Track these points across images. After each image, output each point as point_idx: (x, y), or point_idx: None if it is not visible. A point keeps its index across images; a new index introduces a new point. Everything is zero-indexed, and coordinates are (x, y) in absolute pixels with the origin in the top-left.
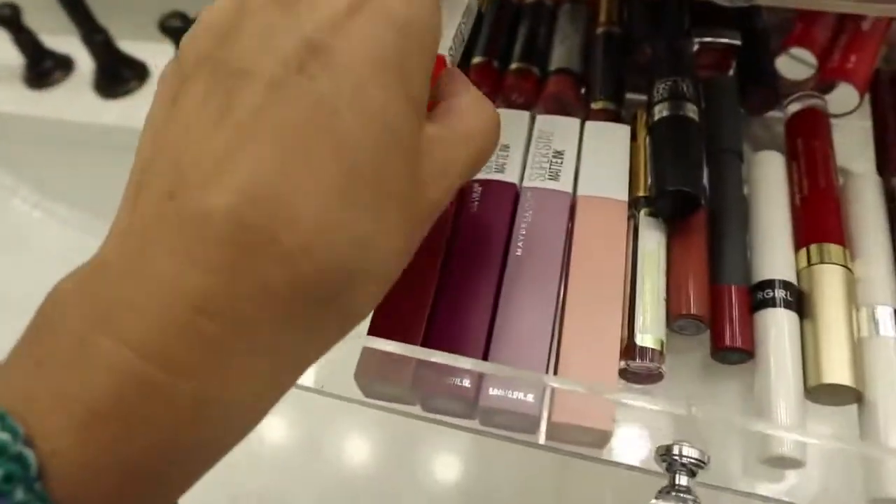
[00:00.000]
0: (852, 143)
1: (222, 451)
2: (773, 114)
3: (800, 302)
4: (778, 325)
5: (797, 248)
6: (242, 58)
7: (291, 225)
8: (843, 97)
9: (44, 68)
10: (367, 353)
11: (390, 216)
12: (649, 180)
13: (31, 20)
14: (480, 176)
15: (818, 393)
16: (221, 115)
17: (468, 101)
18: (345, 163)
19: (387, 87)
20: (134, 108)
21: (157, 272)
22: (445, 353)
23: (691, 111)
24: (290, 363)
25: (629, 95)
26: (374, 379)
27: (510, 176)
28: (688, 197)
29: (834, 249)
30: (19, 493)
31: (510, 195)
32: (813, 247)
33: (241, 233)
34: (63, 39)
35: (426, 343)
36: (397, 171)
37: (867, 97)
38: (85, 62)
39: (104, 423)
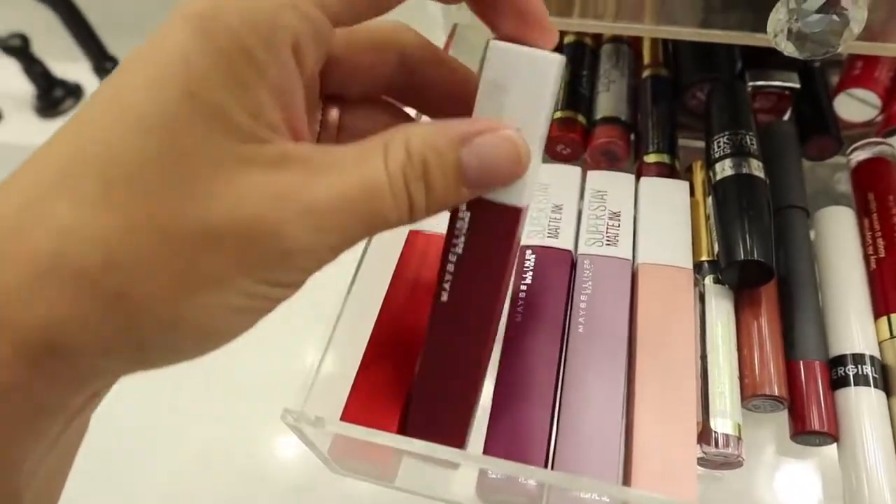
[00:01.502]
0: None
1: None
2: (836, 159)
3: (885, 378)
4: (863, 405)
5: (876, 316)
6: None
7: None
8: None
9: (54, 97)
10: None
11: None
12: (715, 246)
13: (40, 48)
14: (533, 241)
15: None
16: None
17: (360, 150)
18: None
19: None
20: None
21: None
22: (512, 463)
23: (756, 168)
24: None
25: (681, 140)
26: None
27: (565, 241)
28: (760, 267)
29: None
30: None
31: (566, 264)
32: (894, 316)
33: None
34: (73, 67)
35: (486, 445)
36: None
37: None
38: (94, 89)
39: None
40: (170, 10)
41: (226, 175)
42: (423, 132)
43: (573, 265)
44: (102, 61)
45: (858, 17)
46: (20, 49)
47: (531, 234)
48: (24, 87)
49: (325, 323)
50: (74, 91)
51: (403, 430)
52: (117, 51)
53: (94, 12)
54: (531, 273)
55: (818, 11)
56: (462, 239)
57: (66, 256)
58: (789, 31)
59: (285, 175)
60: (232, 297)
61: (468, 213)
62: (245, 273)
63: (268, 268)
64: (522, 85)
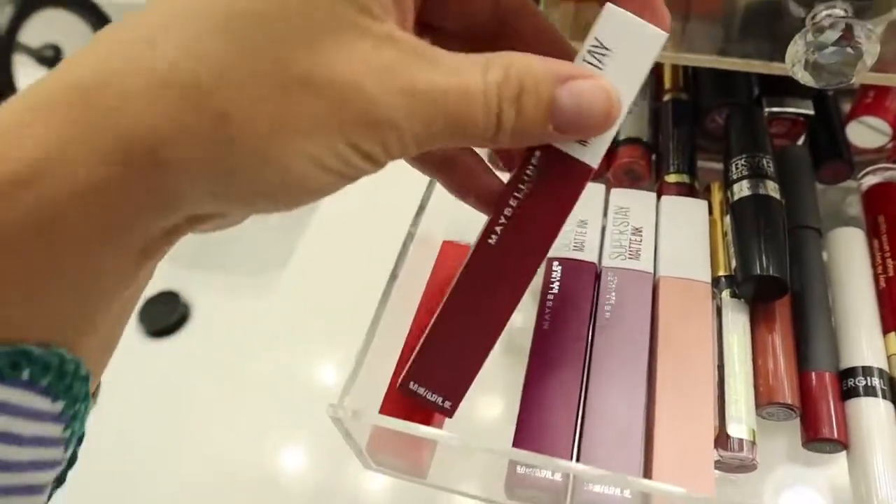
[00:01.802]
0: None
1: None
2: (847, 183)
3: (893, 390)
4: (873, 415)
5: (885, 331)
6: None
7: None
8: None
9: None
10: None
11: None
12: (733, 262)
13: None
14: (559, 254)
15: None
16: None
17: (462, 59)
18: None
19: None
20: None
21: None
22: (543, 456)
23: (772, 189)
24: None
25: (700, 162)
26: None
27: (589, 255)
28: (775, 282)
29: None
30: None
31: (591, 275)
32: None
33: None
34: None
35: (514, 440)
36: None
37: None
38: None
39: None
40: None
41: (339, 37)
42: (525, 60)
43: (597, 277)
44: None
45: (872, 50)
46: (53, 59)
47: (558, 246)
48: None
49: (340, 337)
50: None
51: (402, 379)
52: None
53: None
54: (558, 283)
55: (834, 44)
56: (528, 185)
57: (182, 71)
58: (806, 61)
59: (390, 53)
60: (320, 150)
61: (541, 160)
62: (336, 130)
63: (357, 131)
64: (628, 51)
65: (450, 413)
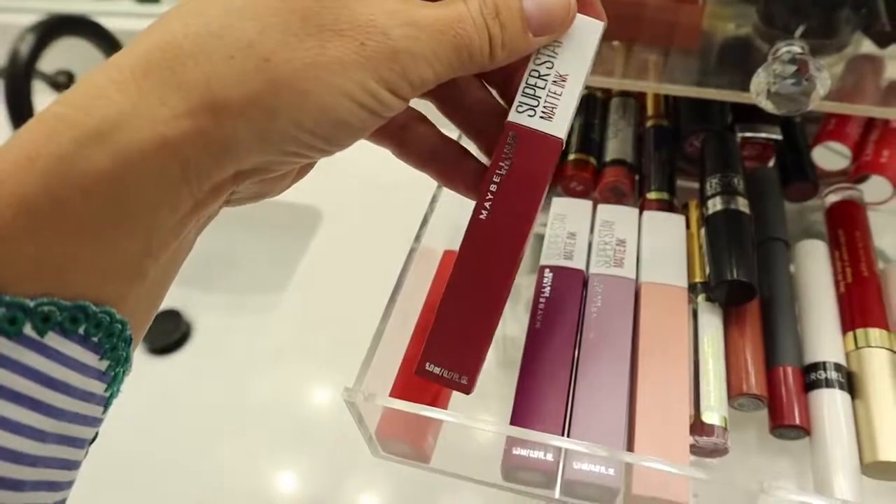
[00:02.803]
0: (882, 226)
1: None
2: (812, 202)
3: (850, 382)
4: (832, 404)
5: (844, 331)
6: None
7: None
8: (878, 188)
9: None
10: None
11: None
12: (707, 269)
13: None
14: (551, 262)
15: (874, 469)
16: None
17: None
18: None
19: None
20: None
21: None
22: (538, 433)
23: (743, 205)
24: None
25: (679, 182)
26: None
27: (578, 263)
28: (745, 286)
29: (879, 334)
30: None
31: (579, 281)
32: (859, 331)
33: None
34: None
35: (512, 420)
36: None
37: None
38: None
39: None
40: None
41: None
42: None
43: (585, 283)
44: None
45: (824, 82)
46: (65, 85)
47: (549, 255)
48: None
49: (341, 355)
50: None
51: (419, 362)
52: None
53: None
54: (549, 288)
55: (791, 77)
56: (508, 161)
57: (232, 28)
58: (768, 91)
59: (394, 1)
60: (351, 85)
61: (516, 139)
62: (362, 65)
63: (380, 63)
64: (575, 40)
65: (467, 389)
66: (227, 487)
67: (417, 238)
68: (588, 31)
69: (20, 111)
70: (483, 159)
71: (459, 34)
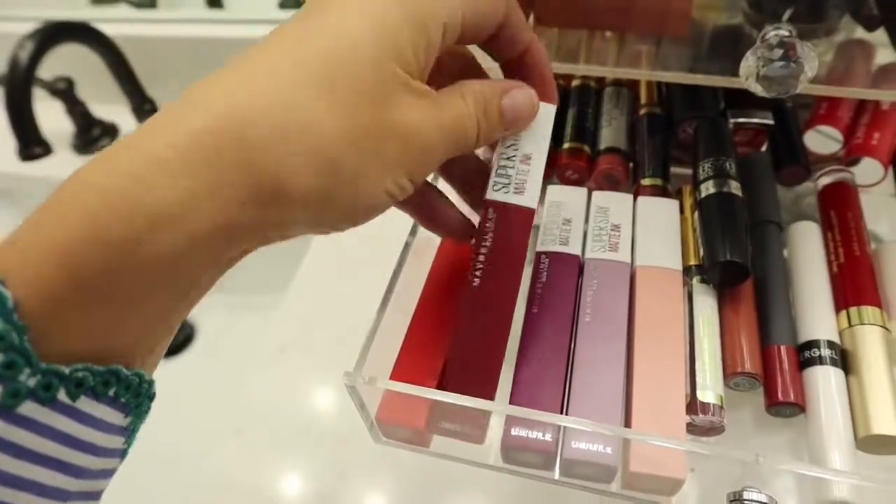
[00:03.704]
0: (876, 207)
1: (168, 268)
2: (805, 184)
3: (844, 359)
4: (826, 381)
5: (837, 310)
6: None
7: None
8: (869, 170)
9: (91, 136)
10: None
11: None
12: (701, 251)
13: (82, 91)
14: (547, 248)
15: (867, 443)
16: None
17: (448, 93)
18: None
19: (365, 15)
20: None
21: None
22: (536, 411)
23: (735, 188)
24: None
25: (673, 169)
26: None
27: (574, 248)
28: (738, 267)
29: (871, 311)
30: None
31: (575, 266)
32: (852, 309)
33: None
34: (110, 108)
35: (508, 400)
36: (365, 80)
37: (891, 168)
38: (129, 128)
39: (73, 243)
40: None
41: (401, 96)
42: (479, 85)
43: (581, 268)
44: (142, 103)
45: (812, 63)
46: (65, 91)
47: (545, 241)
48: (65, 127)
49: (343, 355)
50: (110, 130)
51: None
52: (154, 94)
53: (132, 58)
54: (546, 273)
55: (779, 60)
56: (490, 234)
57: (306, 124)
58: (757, 74)
59: (427, 104)
60: (391, 183)
61: (495, 213)
62: (404, 167)
63: (416, 165)
64: (534, 122)
65: (480, 440)
66: (231, 487)
67: (413, 232)
68: (544, 114)
69: (21, 118)
70: (462, 206)
71: (464, 133)
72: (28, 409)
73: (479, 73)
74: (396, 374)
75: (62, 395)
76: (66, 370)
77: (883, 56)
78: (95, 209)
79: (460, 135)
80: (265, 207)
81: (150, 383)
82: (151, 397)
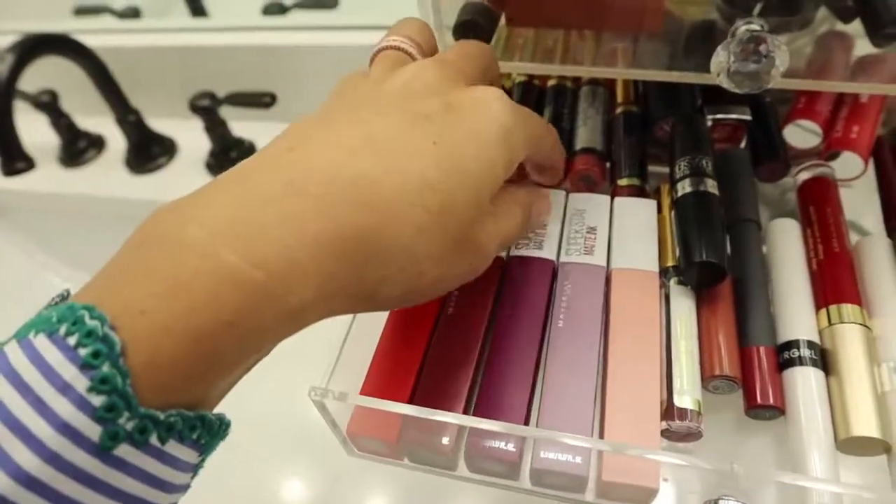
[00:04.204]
0: (859, 201)
1: (269, 341)
2: (784, 180)
3: (824, 359)
4: (805, 382)
5: (817, 308)
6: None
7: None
8: (849, 164)
9: (78, 148)
10: (408, 419)
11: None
12: (677, 252)
13: (66, 103)
14: (521, 252)
15: (848, 445)
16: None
17: (507, 206)
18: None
19: (479, 158)
20: (164, 183)
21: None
22: (497, 422)
23: (711, 186)
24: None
25: (651, 168)
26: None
27: (548, 252)
28: (714, 267)
29: (851, 309)
30: (105, 368)
31: (548, 270)
32: (832, 308)
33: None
34: (96, 120)
35: (473, 409)
36: (466, 208)
37: (871, 161)
38: (116, 140)
39: (182, 295)
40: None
41: (482, 220)
42: (525, 197)
43: (555, 272)
44: (125, 114)
45: (783, 58)
46: (49, 104)
47: (520, 246)
48: (50, 140)
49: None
50: (96, 142)
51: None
52: (141, 104)
53: (117, 69)
54: (518, 278)
55: (749, 55)
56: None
57: (415, 244)
58: (728, 70)
59: (493, 223)
60: (456, 283)
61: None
62: (462, 278)
63: (475, 272)
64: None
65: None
66: (224, 492)
67: None
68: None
69: (1, 133)
70: None
71: (515, 237)
72: (123, 451)
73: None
74: (367, 387)
75: (153, 439)
76: (162, 416)
77: (862, 47)
78: (235, 303)
79: (513, 241)
80: (356, 305)
81: (228, 425)
82: (224, 437)
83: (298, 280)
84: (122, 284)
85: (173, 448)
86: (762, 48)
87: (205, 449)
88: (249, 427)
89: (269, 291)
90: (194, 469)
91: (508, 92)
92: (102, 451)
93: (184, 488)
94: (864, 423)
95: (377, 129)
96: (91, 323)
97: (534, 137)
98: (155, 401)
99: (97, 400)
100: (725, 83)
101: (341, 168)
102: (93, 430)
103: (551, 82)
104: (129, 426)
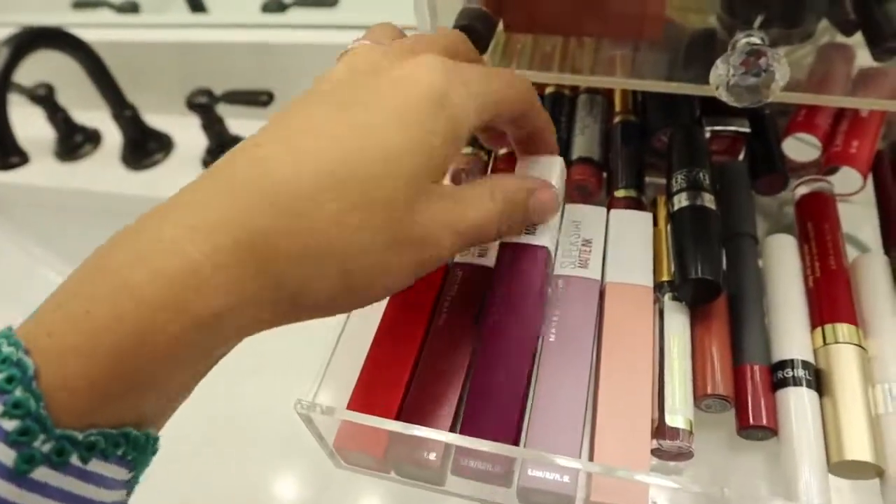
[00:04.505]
0: (858, 215)
1: (192, 356)
2: (785, 194)
3: (818, 380)
4: (799, 403)
5: (812, 327)
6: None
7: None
8: (848, 179)
9: (74, 142)
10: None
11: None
12: (672, 267)
13: (63, 96)
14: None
15: (841, 468)
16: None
17: (476, 192)
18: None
19: (407, 135)
20: (159, 179)
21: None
22: (485, 441)
23: (709, 200)
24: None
25: (648, 178)
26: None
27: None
28: (710, 284)
29: (847, 329)
30: (18, 392)
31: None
32: (827, 327)
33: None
34: (92, 115)
35: (461, 424)
36: (395, 192)
37: (870, 176)
38: (112, 135)
39: (96, 317)
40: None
41: (426, 203)
42: (512, 186)
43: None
44: (122, 109)
45: (783, 72)
46: (45, 98)
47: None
48: (47, 133)
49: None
50: (93, 137)
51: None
52: (139, 100)
53: (115, 64)
54: (512, 291)
55: (749, 69)
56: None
57: (333, 239)
58: (727, 84)
59: (446, 207)
60: (402, 283)
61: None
62: (415, 270)
63: (429, 267)
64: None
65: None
66: (215, 496)
67: None
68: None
69: None
70: None
71: (484, 232)
72: (41, 473)
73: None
74: (355, 401)
75: (74, 460)
76: (80, 436)
77: (863, 60)
78: (136, 319)
79: (482, 233)
80: (283, 311)
81: (156, 440)
82: (155, 452)
83: (200, 289)
84: (45, 308)
85: (98, 467)
86: (762, 62)
87: (135, 465)
88: (239, 433)
89: (167, 303)
90: (126, 486)
91: None
92: (19, 476)
93: None
94: (858, 447)
95: (296, 124)
96: (7, 350)
97: (491, 97)
98: (76, 422)
99: (10, 424)
100: (725, 96)
101: (254, 169)
102: (7, 455)
103: (549, 89)
104: (46, 448)
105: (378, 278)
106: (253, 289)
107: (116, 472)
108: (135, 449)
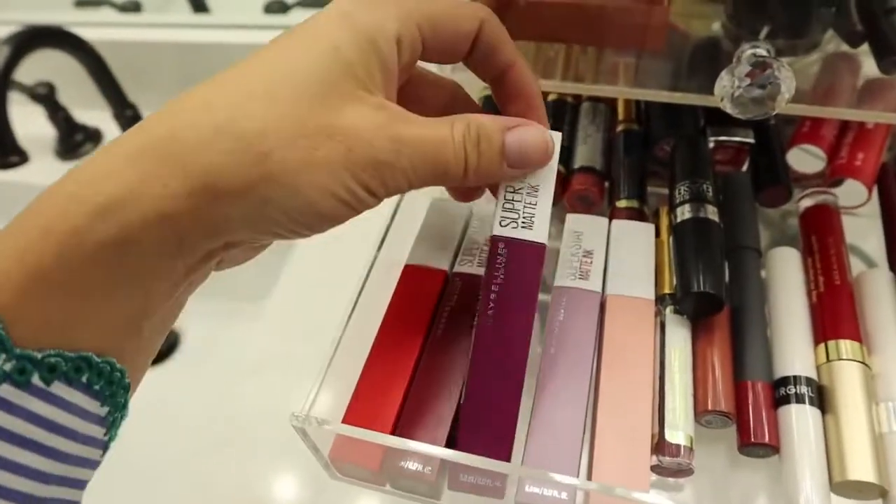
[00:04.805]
0: (862, 227)
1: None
2: (789, 205)
3: (821, 397)
4: (801, 421)
5: (816, 343)
6: None
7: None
8: (853, 192)
9: (75, 141)
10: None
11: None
12: (674, 280)
13: (64, 95)
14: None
15: (843, 488)
16: None
17: (434, 119)
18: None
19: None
20: None
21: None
22: (480, 458)
23: (712, 213)
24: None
25: (651, 188)
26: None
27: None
28: (712, 298)
29: (851, 346)
30: None
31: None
32: (831, 343)
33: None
34: (93, 114)
35: (458, 438)
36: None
37: (875, 189)
38: (113, 135)
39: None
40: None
41: (348, 104)
42: (480, 117)
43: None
44: (123, 108)
45: (789, 84)
46: (46, 96)
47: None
48: (47, 132)
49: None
50: (93, 136)
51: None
52: (140, 99)
53: (116, 63)
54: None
55: (755, 81)
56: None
57: (238, 122)
58: (732, 96)
59: (382, 114)
60: (336, 185)
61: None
62: (347, 169)
63: (362, 170)
64: None
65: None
66: (216, 494)
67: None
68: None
69: None
70: None
71: (438, 156)
72: (5, 391)
73: (470, 106)
74: (351, 413)
75: (36, 380)
76: (39, 355)
77: (868, 71)
78: (49, 212)
79: (438, 160)
80: (200, 202)
81: (123, 372)
82: (126, 388)
83: (103, 181)
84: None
85: (63, 391)
86: (768, 73)
87: (105, 398)
88: (239, 434)
89: (78, 194)
90: (104, 423)
91: None
92: None
93: (98, 443)
94: (861, 467)
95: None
96: None
97: (418, 7)
98: (37, 344)
99: None
100: (730, 109)
101: (167, 107)
102: None
103: (551, 97)
104: (8, 367)
105: (300, 166)
106: (156, 172)
107: (87, 403)
108: (99, 377)
